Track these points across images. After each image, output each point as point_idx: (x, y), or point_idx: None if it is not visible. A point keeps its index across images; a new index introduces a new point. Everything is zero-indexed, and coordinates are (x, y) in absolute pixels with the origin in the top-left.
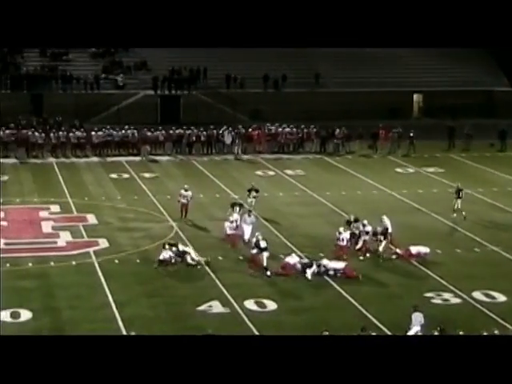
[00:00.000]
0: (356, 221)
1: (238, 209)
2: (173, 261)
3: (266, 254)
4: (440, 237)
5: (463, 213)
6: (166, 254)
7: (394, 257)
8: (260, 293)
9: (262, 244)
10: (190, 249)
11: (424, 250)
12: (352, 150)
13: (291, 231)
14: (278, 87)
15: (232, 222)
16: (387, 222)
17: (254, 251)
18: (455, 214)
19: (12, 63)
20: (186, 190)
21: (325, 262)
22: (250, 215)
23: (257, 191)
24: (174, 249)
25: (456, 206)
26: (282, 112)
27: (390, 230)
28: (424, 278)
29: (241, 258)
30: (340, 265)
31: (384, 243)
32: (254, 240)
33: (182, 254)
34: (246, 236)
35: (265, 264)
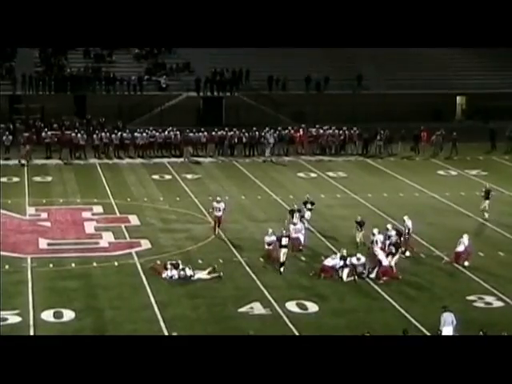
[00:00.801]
0: (362, 223)
1: (297, 214)
2: (175, 277)
3: (284, 251)
4: (482, 240)
5: (486, 214)
6: (169, 273)
7: (445, 259)
8: (301, 294)
9: (284, 241)
10: (191, 270)
11: (466, 240)
12: (394, 152)
13: (332, 233)
14: (320, 89)
15: (296, 224)
16: (409, 222)
17: (271, 246)
18: (486, 215)
19: (56, 65)
20: (218, 202)
21: (377, 252)
22: (302, 221)
23: (312, 203)
24: (180, 267)
25: (484, 207)
26: (325, 114)
27: (411, 231)
28: (466, 281)
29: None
30: (387, 261)
31: (396, 257)
32: (275, 235)
33: (184, 276)
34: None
35: (282, 260)
